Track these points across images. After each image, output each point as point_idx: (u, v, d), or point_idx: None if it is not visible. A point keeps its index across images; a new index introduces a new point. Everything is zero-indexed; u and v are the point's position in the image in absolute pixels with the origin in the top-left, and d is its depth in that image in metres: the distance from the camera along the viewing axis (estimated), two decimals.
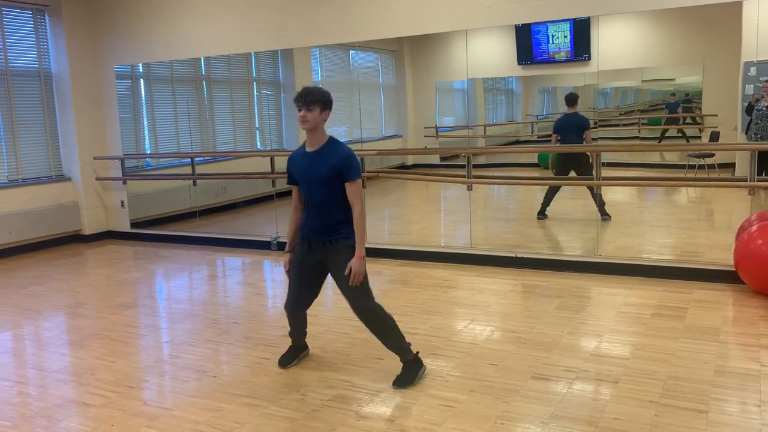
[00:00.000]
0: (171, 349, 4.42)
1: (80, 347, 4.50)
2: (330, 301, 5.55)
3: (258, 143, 10.50)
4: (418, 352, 3.76)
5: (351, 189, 3.51)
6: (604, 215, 7.20)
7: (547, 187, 7.77)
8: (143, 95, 8.91)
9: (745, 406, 3.22)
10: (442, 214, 10.02)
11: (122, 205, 8.59)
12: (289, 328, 4.00)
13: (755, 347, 3.97)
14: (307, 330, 4.05)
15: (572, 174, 7.34)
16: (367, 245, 7.37)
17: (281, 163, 9.57)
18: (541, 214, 7.68)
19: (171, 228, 8.50)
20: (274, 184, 8.23)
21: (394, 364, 3.89)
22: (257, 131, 10.46)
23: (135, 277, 6.52)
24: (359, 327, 4.58)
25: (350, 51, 13.16)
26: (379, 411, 3.34)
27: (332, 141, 3.57)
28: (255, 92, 10.52)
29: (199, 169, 8.44)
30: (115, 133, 8.51)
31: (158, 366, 4.11)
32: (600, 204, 7.21)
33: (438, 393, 3.50)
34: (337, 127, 12.96)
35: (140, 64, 8.51)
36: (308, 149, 3.57)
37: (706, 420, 3.09)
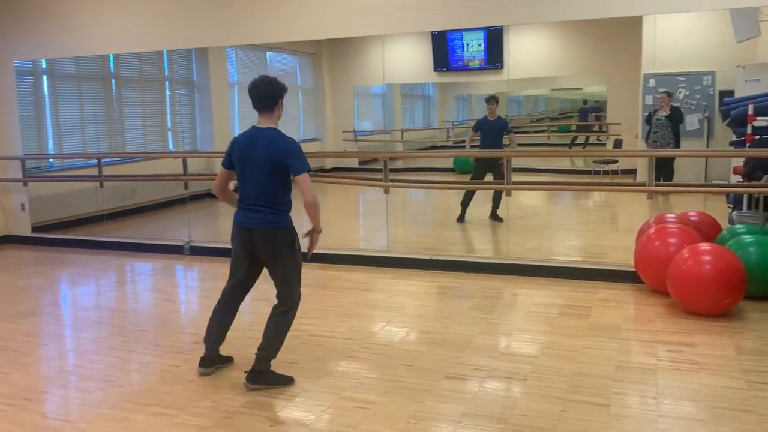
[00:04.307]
0: (75, 359, 4.21)
1: None
2: (244, 306, 5.44)
3: (170, 144, 10.19)
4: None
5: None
6: (497, 218, 7.48)
7: (464, 192, 7.91)
8: (46, 93, 8.45)
9: (644, 399, 3.40)
10: (361, 217, 10.04)
11: (23, 208, 8.11)
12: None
13: (652, 343, 4.20)
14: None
15: (488, 176, 7.50)
16: None
17: (194, 165, 9.29)
18: (461, 219, 7.83)
19: (76, 232, 8.09)
20: (186, 187, 7.96)
21: (309, 367, 3.87)
22: (169, 132, 10.14)
23: (36, 283, 6.17)
24: None
25: (267, 52, 12.97)
26: (294, 416, 3.31)
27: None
28: (168, 92, 10.20)
29: (106, 171, 8.07)
30: (14, 132, 8.00)
31: (61, 376, 3.91)
32: (495, 205, 7.48)
33: (353, 395, 3.51)
34: None
35: (43, 60, 8.08)
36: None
37: (607, 413, 3.24)
